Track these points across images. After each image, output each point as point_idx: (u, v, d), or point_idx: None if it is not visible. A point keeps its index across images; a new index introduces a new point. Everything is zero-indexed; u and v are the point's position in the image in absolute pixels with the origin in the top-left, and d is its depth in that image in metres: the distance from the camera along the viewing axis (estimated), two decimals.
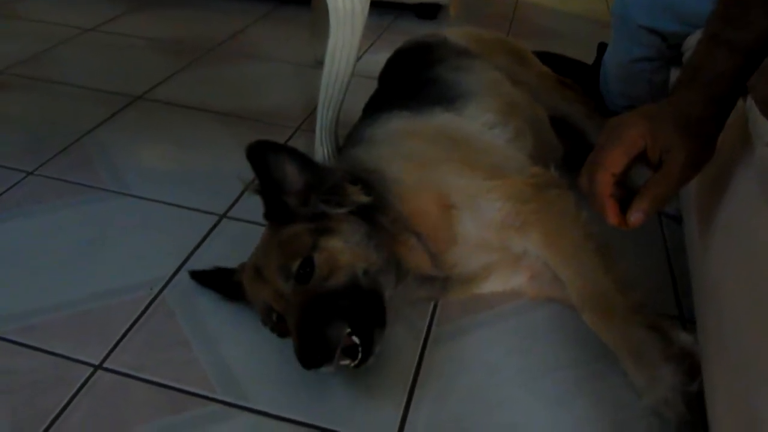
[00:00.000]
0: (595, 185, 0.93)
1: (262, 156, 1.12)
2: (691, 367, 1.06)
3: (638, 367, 1.10)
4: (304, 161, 1.15)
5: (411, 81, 1.57)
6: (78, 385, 1.10)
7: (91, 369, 1.13)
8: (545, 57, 1.89)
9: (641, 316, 1.15)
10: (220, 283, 1.28)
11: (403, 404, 1.09)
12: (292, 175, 1.14)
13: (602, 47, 1.94)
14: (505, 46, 1.77)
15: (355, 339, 1.02)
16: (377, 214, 1.18)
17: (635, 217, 0.92)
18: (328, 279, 1.08)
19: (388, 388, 1.12)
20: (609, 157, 0.91)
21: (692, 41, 1.49)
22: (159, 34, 2.65)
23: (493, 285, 1.33)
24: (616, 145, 0.91)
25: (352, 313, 1.04)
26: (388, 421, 1.07)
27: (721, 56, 0.91)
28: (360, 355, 1.03)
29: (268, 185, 1.14)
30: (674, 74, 1.64)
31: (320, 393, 1.11)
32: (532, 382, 1.15)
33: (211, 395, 1.10)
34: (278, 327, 1.13)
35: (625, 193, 0.94)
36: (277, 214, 1.16)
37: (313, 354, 0.99)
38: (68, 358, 1.15)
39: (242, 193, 1.59)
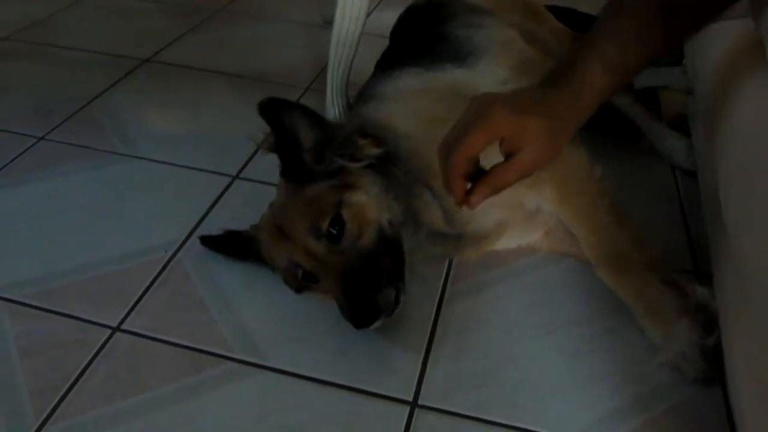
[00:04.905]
0: (449, 165, 0.94)
1: (276, 112, 1.11)
2: (708, 321, 1.06)
3: (655, 323, 1.10)
4: (315, 117, 1.15)
5: (422, 38, 1.55)
6: (97, 347, 1.11)
7: (110, 331, 1.14)
8: (555, 11, 1.86)
9: (657, 272, 1.14)
10: (231, 245, 1.28)
11: (421, 361, 1.10)
12: (304, 131, 1.14)
13: None
14: (518, 2, 1.74)
15: None
16: (390, 167, 1.18)
17: (475, 200, 0.96)
18: (360, 237, 1.09)
19: (406, 346, 1.13)
20: (469, 141, 0.92)
21: None
22: None
23: (507, 242, 1.32)
24: (478, 131, 0.92)
25: (393, 272, 1.07)
26: (406, 378, 1.07)
27: (595, 70, 0.93)
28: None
29: (283, 142, 1.14)
30: None
31: (338, 351, 1.12)
32: (548, 338, 1.15)
33: (229, 355, 1.10)
34: (303, 284, 1.15)
35: (475, 170, 0.97)
36: (294, 171, 1.16)
37: (366, 316, 1.04)
38: (87, 321, 1.16)
39: (255, 152, 1.58)
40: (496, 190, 0.97)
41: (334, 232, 1.08)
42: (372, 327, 1.06)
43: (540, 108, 0.94)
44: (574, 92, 0.94)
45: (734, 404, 0.93)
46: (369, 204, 1.12)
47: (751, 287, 0.82)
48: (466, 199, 0.96)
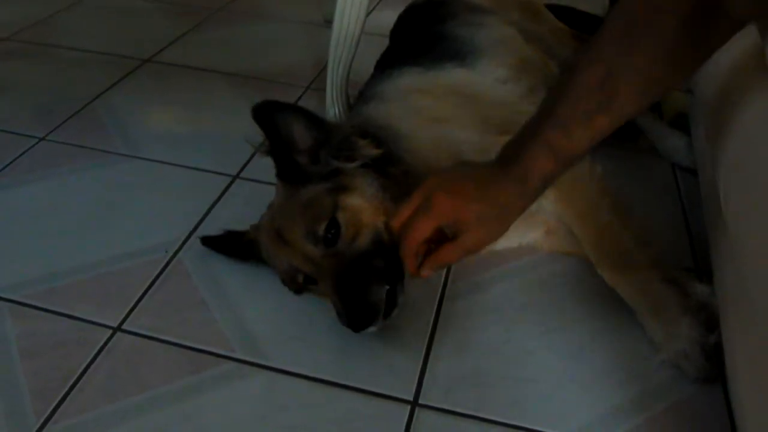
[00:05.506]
0: (402, 246, 1.02)
1: (269, 116, 1.10)
2: (709, 319, 1.06)
3: (656, 322, 1.10)
4: (311, 118, 1.14)
5: (422, 37, 1.55)
6: (98, 347, 1.11)
7: (111, 331, 1.14)
8: (555, 10, 1.86)
9: (658, 270, 1.14)
10: (232, 246, 1.28)
11: (421, 360, 1.10)
12: (300, 132, 1.13)
13: None
14: (517, 1, 1.74)
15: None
16: (389, 166, 1.17)
17: (424, 273, 1.03)
18: (355, 239, 1.08)
19: (406, 345, 1.13)
20: (415, 229, 1.00)
21: None
22: None
23: (507, 241, 1.31)
24: (422, 220, 0.99)
25: (386, 273, 1.06)
26: (407, 378, 1.07)
27: (541, 156, 0.93)
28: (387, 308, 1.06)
29: (277, 145, 1.13)
30: None
31: (338, 351, 1.12)
32: (549, 336, 1.15)
33: (230, 354, 1.10)
34: (303, 286, 1.15)
35: (438, 238, 1.02)
36: (289, 173, 1.15)
37: (361, 318, 1.04)
38: (87, 321, 1.16)
39: (253, 155, 1.58)
40: (442, 266, 1.07)
41: (330, 236, 1.08)
42: (369, 330, 1.05)
43: (481, 194, 0.97)
44: (520, 178, 0.95)
45: (735, 403, 0.93)
46: (364, 207, 1.11)
47: (751, 287, 0.82)
48: (417, 272, 1.02)
